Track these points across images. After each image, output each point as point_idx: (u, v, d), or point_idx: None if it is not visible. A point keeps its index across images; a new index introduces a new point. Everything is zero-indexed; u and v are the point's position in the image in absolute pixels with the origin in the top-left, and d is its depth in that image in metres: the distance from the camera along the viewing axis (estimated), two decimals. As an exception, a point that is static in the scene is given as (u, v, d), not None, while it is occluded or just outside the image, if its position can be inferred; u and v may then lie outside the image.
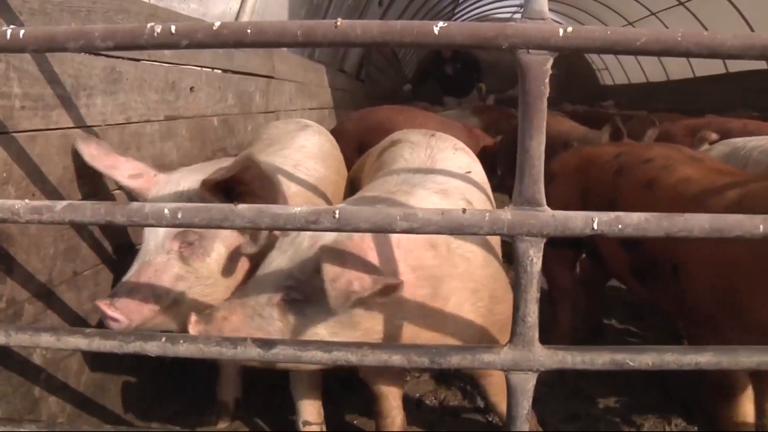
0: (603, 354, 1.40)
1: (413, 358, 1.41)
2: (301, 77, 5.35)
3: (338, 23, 1.29)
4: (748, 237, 1.41)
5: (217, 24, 1.36)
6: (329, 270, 1.52)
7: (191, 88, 3.03)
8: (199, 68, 3.17)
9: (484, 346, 1.40)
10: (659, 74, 16.29)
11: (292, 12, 5.61)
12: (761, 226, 1.38)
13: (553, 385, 2.85)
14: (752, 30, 11.50)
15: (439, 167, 2.20)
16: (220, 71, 3.49)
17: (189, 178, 2.09)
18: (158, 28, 1.38)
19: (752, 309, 1.99)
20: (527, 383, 1.40)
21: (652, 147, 2.79)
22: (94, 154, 2.05)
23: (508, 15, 22.77)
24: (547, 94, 1.24)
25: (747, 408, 2.23)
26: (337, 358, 1.46)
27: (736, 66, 11.71)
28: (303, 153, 2.61)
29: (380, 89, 10.51)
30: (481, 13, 21.69)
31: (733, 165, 3.06)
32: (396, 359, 1.41)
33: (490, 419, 2.62)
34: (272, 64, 4.37)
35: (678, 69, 14.95)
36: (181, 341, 1.54)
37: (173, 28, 1.37)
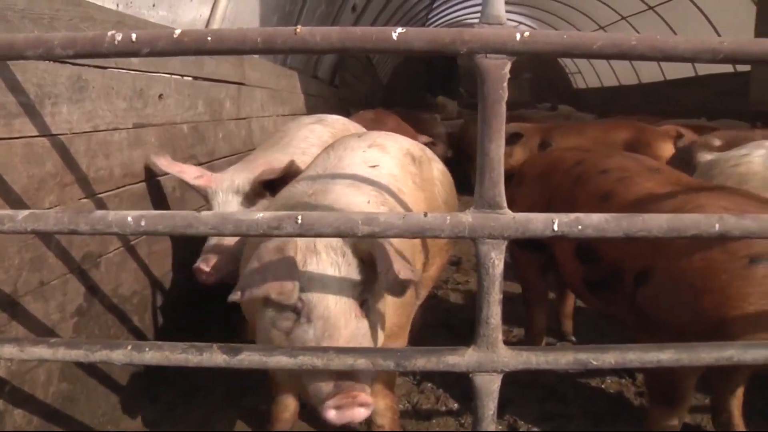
0: (567, 354, 1.42)
1: (379, 361, 1.41)
2: (273, 84, 5.34)
3: (298, 30, 1.29)
4: (704, 236, 1.44)
5: (178, 32, 1.36)
6: (395, 263, 1.58)
7: (160, 96, 3.02)
8: (168, 75, 3.15)
9: (449, 348, 1.41)
10: (631, 77, 16.50)
11: (263, 18, 5.60)
12: (717, 225, 1.41)
13: (527, 386, 2.87)
14: (718, 33, 11.75)
15: (345, 164, 2.25)
16: (189, 78, 3.48)
17: (241, 176, 2.75)
18: (119, 37, 1.38)
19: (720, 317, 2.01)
20: (492, 384, 1.41)
21: (611, 157, 2.79)
22: (166, 164, 2.70)
23: (478, 20, 22.92)
24: (505, 98, 1.26)
25: (682, 415, 2.27)
26: (302, 362, 1.46)
27: (705, 69, 11.90)
28: (307, 142, 3.14)
29: (355, 95, 10.53)
30: (454, 17, 21.82)
31: None
32: (361, 363, 1.42)
33: (462, 421, 2.63)
34: (243, 71, 4.36)
35: (649, 72, 15.17)
36: (147, 349, 1.54)
37: (134, 37, 1.37)
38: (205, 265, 2.60)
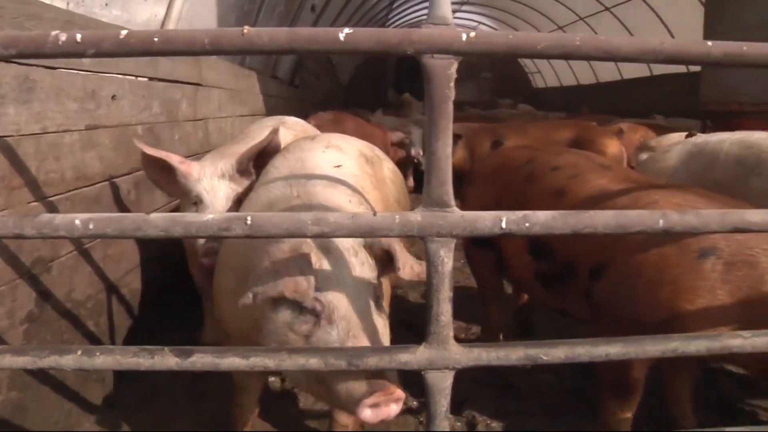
0: (517, 349, 1.44)
1: (331, 360, 1.41)
2: (232, 84, 5.29)
3: (245, 31, 1.29)
4: (650, 232, 1.47)
5: (124, 33, 1.35)
6: (408, 259, 1.71)
7: (113, 97, 2.97)
8: (122, 76, 3.10)
9: (400, 346, 1.42)
10: (589, 77, 16.78)
11: (221, 18, 5.55)
12: (661, 221, 1.44)
13: (485, 383, 2.91)
14: (671, 33, 12.03)
15: (310, 165, 2.25)
16: (144, 79, 3.43)
17: (221, 161, 2.77)
18: (63, 37, 1.35)
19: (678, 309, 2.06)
20: (444, 381, 1.43)
21: (561, 154, 2.83)
22: (151, 150, 2.74)
23: (442, 20, 23.07)
24: (452, 98, 1.27)
25: (634, 407, 2.33)
26: (254, 363, 1.45)
27: (660, 69, 12.17)
28: None
29: (315, 95, 10.49)
30: (415, 18, 21.90)
31: (701, 162, 3.15)
32: (313, 362, 1.42)
33: (422, 419, 2.65)
34: (200, 72, 4.32)
35: (607, 72, 15.45)
36: (98, 354, 1.51)
37: (79, 37, 1.35)
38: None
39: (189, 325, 3.47)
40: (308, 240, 1.67)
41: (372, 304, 1.70)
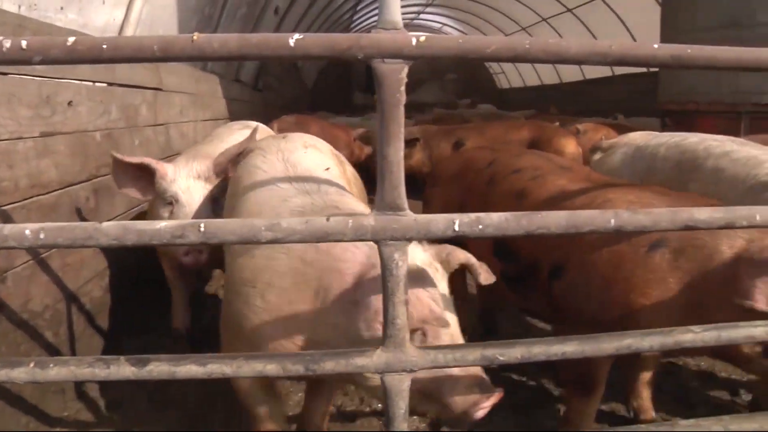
0: (474, 350, 1.45)
1: (288, 366, 1.41)
2: (193, 89, 5.25)
3: (195, 38, 1.28)
4: (601, 231, 1.50)
5: (72, 39, 1.33)
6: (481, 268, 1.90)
7: (69, 103, 2.93)
8: (79, 81, 3.06)
9: (357, 350, 1.42)
10: (552, 77, 16.98)
11: (181, 22, 5.50)
12: (612, 221, 1.47)
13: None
14: (631, 34, 12.23)
15: (303, 167, 2.25)
16: (102, 84, 3.39)
17: (196, 161, 2.83)
18: (7, 43, 1.33)
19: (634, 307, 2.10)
20: (402, 384, 1.43)
21: (522, 156, 2.87)
22: (126, 157, 2.76)
23: (406, 21, 23.18)
24: (403, 102, 1.28)
25: (597, 402, 2.36)
26: (212, 371, 1.44)
27: (621, 69, 12.36)
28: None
29: (280, 98, 10.44)
30: (380, 20, 21.91)
31: (641, 164, 3.20)
32: (271, 368, 1.42)
33: (386, 421, 2.65)
34: (160, 76, 4.28)
35: (570, 72, 15.66)
36: (52, 365, 1.49)
37: (24, 43, 1.33)
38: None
39: (153, 331, 3.43)
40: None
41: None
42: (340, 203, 1.98)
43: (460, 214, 1.34)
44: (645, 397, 2.67)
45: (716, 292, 1.93)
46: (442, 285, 1.79)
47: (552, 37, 15.72)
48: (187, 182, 2.79)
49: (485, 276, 1.87)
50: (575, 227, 1.44)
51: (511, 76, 20.79)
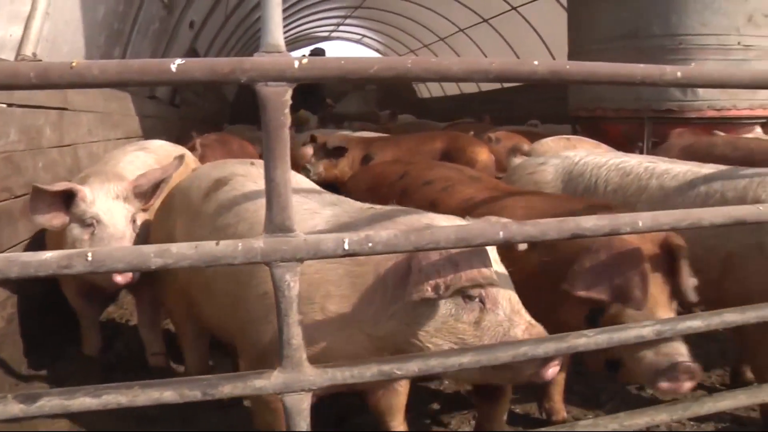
0: (371, 367, 1.47)
1: (185, 392, 1.39)
2: (102, 107, 5.10)
3: (74, 64, 1.26)
4: (491, 243, 1.55)
5: (-59, 65, 1.28)
6: None
7: (-38, 126, 2.81)
8: (-28, 104, 2.94)
9: (255, 372, 1.42)
10: (472, 86, 17.30)
11: (88, 38, 5.33)
12: (501, 233, 1.52)
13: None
14: (545, 44, 12.64)
15: (309, 185, 2.40)
16: (1, 105, 3.25)
17: (110, 182, 2.80)
18: None
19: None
20: (302, 404, 1.44)
21: (433, 168, 2.94)
22: (54, 184, 2.71)
23: (326, 33, 23.26)
24: (288, 124, 1.29)
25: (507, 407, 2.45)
26: (107, 402, 1.41)
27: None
28: (133, 165, 3.28)
29: (199, 114, 10.27)
30: (301, 31, 21.91)
31: (582, 186, 3.25)
32: (168, 395, 1.40)
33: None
34: (65, 95, 4.13)
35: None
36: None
37: None
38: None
39: (64, 359, 3.31)
40: None
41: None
42: (364, 205, 2.07)
43: (350, 233, 1.36)
44: (557, 399, 2.75)
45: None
46: (494, 255, 1.84)
47: (470, 47, 15.99)
48: (107, 203, 2.75)
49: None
50: (465, 240, 1.48)
51: (431, 86, 21.10)
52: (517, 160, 3.99)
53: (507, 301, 1.77)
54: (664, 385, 2.00)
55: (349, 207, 2.05)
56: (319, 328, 1.83)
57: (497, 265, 1.84)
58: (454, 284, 1.63)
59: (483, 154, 4.99)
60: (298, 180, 2.42)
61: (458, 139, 5.39)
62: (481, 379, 1.97)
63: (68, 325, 3.42)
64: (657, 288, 2.11)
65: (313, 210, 2.01)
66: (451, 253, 1.65)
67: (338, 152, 5.25)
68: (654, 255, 2.13)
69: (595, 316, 2.12)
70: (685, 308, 3.91)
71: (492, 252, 1.84)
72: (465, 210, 2.50)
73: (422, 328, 1.74)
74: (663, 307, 2.12)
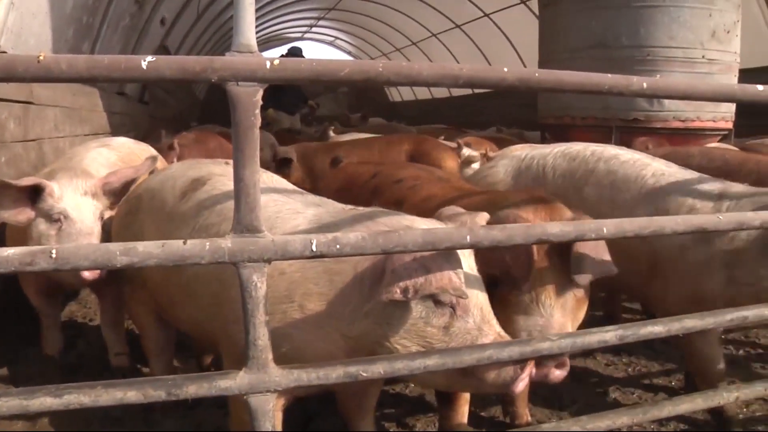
0: (336, 368, 1.47)
1: (149, 392, 1.38)
2: (69, 102, 5.02)
3: (41, 57, 1.24)
4: (458, 247, 1.56)
5: None
6: None
7: None
8: (-69, 96, 2.87)
9: (220, 373, 1.42)
10: (443, 90, 17.41)
11: (56, 31, 5.24)
12: (468, 237, 1.54)
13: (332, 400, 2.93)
14: (516, 50, 12.77)
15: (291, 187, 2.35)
16: (-37, 98, 3.19)
17: (78, 178, 2.75)
18: None
19: None
20: (267, 404, 1.44)
21: (405, 168, 2.97)
22: (22, 179, 2.65)
23: (299, 34, 23.18)
24: (258, 124, 1.29)
25: (466, 409, 2.47)
26: (69, 401, 1.39)
27: (507, 83, 12.84)
28: (97, 163, 3.24)
29: (168, 111, 10.15)
30: (274, 32, 21.81)
31: (531, 177, 3.31)
32: (132, 395, 1.38)
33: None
34: (30, 89, 4.06)
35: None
36: None
37: None
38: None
39: (23, 360, 3.25)
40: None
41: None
42: (346, 207, 2.06)
43: (318, 235, 1.36)
44: (520, 404, 2.78)
45: None
46: (469, 262, 1.84)
47: (442, 52, 16.07)
48: (75, 199, 2.71)
49: None
50: (432, 244, 1.49)
51: (402, 90, 21.18)
52: (469, 171, 4.06)
53: (478, 309, 1.78)
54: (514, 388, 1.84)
55: (332, 208, 2.05)
56: (297, 326, 1.83)
57: (472, 272, 1.84)
58: (422, 289, 1.63)
59: (448, 160, 5.01)
60: (280, 181, 2.41)
61: (425, 143, 5.40)
62: (447, 385, 1.98)
63: (27, 324, 3.37)
64: (551, 270, 2.08)
65: (295, 210, 2.00)
66: (424, 257, 1.65)
67: (285, 163, 5.23)
68: None
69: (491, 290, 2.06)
70: (646, 313, 3.98)
71: (469, 259, 1.84)
72: (425, 206, 2.54)
73: (392, 329, 1.74)
74: (551, 293, 2.07)
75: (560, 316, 2.08)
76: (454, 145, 5.23)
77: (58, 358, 3.21)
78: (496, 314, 1.85)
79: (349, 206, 2.09)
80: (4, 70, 1.24)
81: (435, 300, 1.72)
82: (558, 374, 1.93)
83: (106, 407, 1.78)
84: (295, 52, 10.22)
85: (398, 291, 1.61)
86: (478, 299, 1.80)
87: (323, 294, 1.82)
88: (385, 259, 1.67)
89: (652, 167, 2.92)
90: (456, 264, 1.72)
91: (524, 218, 2.04)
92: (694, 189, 2.72)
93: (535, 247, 1.98)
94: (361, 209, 2.02)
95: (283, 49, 12.63)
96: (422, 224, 1.85)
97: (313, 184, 4.78)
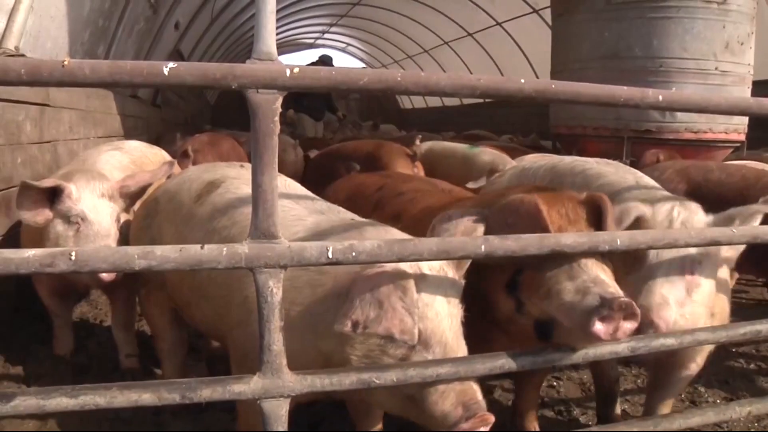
0: (350, 375, 1.48)
1: (164, 395, 1.39)
2: (84, 105, 5.06)
3: (66, 62, 1.26)
4: (472, 257, 1.57)
5: (-70, 59, 1.28)
6: None
7: (-59, 119, 2.78)
8: (-49, 97, 2.91)
9: (234, 377, 1.43)
10: (454, 99, 17.45)
11: (72, 34, 5.29)
12: (483, 246, 1.54)
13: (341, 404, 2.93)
14: (528, 59, 12.78)
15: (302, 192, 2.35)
16: (-19, 100, 3.23)
17: (95, 180, 2.79)
18: None
19: None
20: (280, 409, 1.44)
21: (409, 181, 2.98)
22: (44, 181, 2.70)
23: (311, 40, 23.27)
24: (277, 132, 1.30)
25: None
26: (84, 402, 1.41)
27: (518, 92, 12.85)
28: (110, 165, 3.30)
29: (180, 115, 10.22)
30: (287, 37, 21.90)
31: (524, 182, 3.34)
32: (146, 398, 1.39)
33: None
34: (47, 92, 4.10)
35: (471, 94, 16.12)
36: None
37: None
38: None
39: (35, 359, 3.27)
40: (402, 264, 1.59)
41: (459, 323, 1.72)
42: (356, 217, 2.03)
43: (334, 242, 1.37)
44: (529, 416, 2.77)
45: None
46: (450, 290, 1.70)
47: (454, 60, 16.08)
48: (93, 201, 2.75)
49: None
50: (447, 253, 1.50)
51: (414, 97, 21.23)
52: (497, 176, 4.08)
53: (440, 346, 1.65)
54: (598, 329, 1.64)
55: (334, 217, 2.02)
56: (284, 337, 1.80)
57: (444, 297, 1.70)
58: (371, 327, 1.53)
59: (402, 166, 4.92)
60: (293, 186, 2.41)
61: (380, 148, 5.32)
62: (396, 410, 1.82)
63: (38, 325, 3.39)
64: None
65: (299, 217, 1.99)
66: (380, 291, 1.54)
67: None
68: (575, 212, 1.96)
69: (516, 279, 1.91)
70: None
71: (447, 276, 1.72)
72: (423, 217, 2.54)
73: (354, 352, 1.66)
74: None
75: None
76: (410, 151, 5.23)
77: (69, 359, 3.24)
78: (529, 298, 1.77)
79: (350, 216, 2.07)
80: (30, 75, 1.25)
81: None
82: (628, 328, 1.65)
83: (117, 408, 1.80)
84: (326, 60, 10.30)
85: (349, 325, 1.54)
86: (443, 334, 1.67)
87: (304, 305, 1.77)
88: (354, 279, 1.59)
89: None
90: (412, 307, 1.58)
91: (530, 200, 1.90)
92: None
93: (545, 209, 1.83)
94: (356, 220, 1.99)
95: (298, 55, 12.73)
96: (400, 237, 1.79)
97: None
